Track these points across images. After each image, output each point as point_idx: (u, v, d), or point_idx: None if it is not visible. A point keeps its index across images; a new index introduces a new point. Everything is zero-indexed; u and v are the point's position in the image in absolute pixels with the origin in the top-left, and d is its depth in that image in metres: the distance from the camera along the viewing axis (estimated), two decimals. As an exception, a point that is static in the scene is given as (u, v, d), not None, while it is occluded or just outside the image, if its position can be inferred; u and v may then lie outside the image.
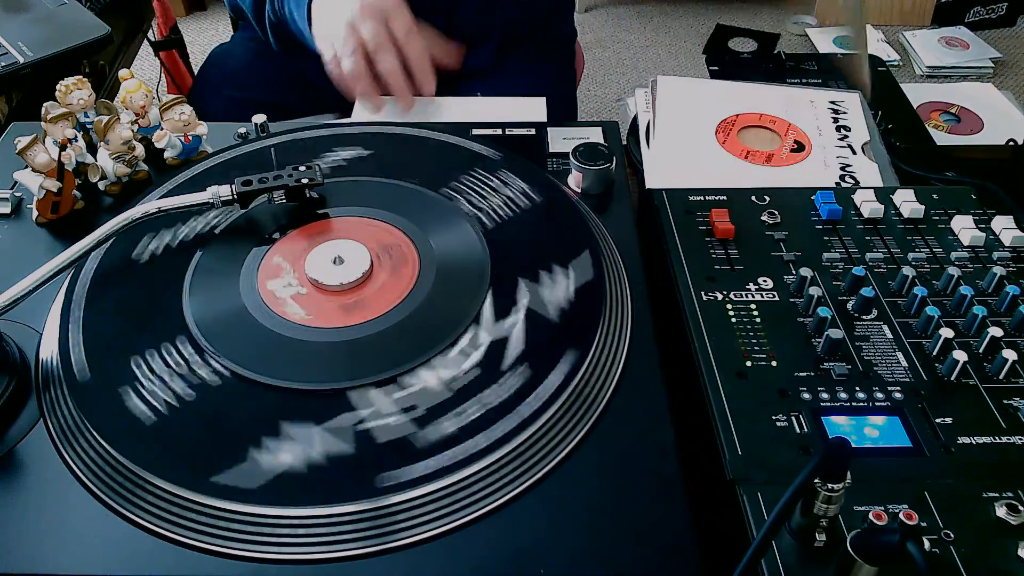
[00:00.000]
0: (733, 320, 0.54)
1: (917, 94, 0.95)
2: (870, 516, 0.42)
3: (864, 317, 0.54)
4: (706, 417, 0.49)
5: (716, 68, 0.99)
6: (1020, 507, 0.43)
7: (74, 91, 0.66)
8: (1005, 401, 0.49)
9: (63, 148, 0.61)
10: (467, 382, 0.49)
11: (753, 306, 0.55)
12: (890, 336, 0.53)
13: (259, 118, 0.70)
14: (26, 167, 0.61)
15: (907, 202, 0.63)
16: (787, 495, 0.38)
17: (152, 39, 1.26)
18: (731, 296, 0.56)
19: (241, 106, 0.97)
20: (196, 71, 1.10)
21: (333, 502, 0.43)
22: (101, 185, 0.65)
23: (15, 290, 0.51)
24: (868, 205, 0.62)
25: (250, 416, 0.47)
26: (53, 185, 0.60)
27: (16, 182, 0.63)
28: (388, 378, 0.49)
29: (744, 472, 0.45)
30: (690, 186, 0.65)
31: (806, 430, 0.47)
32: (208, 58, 1.08)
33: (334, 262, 0.55)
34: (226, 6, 1.11)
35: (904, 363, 0.51)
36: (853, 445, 0.46)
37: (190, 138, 0.67)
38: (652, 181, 0.74)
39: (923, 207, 0.62)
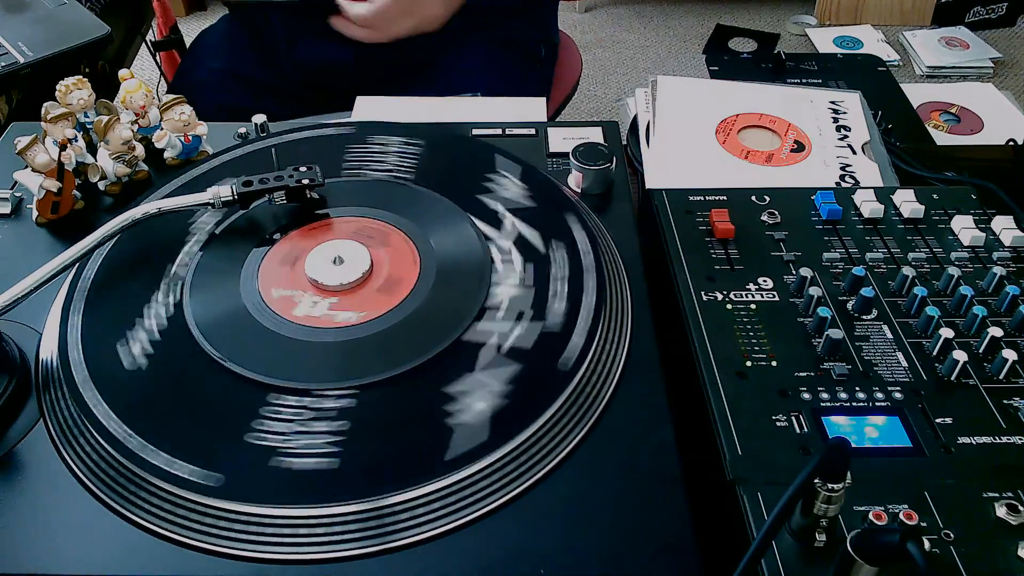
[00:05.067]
0: (733, 320, 0.54)
1: (917, 94, 0.95)
2: (870, 516, 0.42)
3: (864, 317, 0.54)
4: (706, 417, 0.49)
5: (716, 68, 0.99)
6: (1020, 507, 0.43)
7: (74, 91, 0.66)
8: (1005, 401, 0.49)
9: (63, 148, 0.61)
10: (467, 381, 0.49)
11: (753, 306, 0.55)
12: (890, 336, 0.53)
13: (259, 118, 0.70)
14: (26, 167, 0.60)
15: (907, 202, 0.62)
16: (787, 495, 0.38)
17: (152, 39, 1.26)
18: (731, 296, 0.56)
19: (219, 77, 1.05)
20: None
21: (333, 502, 0.43)
22: (101, 185, 0.65)
23: (15, 290, 0.51)
24: (868, 205, 0.62)
25: (250, 416, 0.47)
26: (53, 185, 0.60)
27: (16, 182, 0.63)
28: (388, 378, 0.49)
29: (744, 472, 0.45)
30: (690, 186, 0.65)
31: (806, 430, 0.47)
32: (195, 38, 1.15)
33: (334, 262, 0.55)
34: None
35: (904, 363, 0.51)
36: (853, 445, 0.46)
37: (190, 138, 0.67)
38: (652, 181, 0.74)
39: (923, 207, 0.62)
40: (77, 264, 0.54)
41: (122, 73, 0.69)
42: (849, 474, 0.39)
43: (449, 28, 0.98)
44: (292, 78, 1.05)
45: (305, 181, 0.59)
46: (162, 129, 0.67)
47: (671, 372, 0.52)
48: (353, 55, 1.00)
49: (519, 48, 1.08)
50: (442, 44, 1.00)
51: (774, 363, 0.51)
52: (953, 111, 0.95)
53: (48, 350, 0.52)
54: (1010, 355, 0.50)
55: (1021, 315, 0.53)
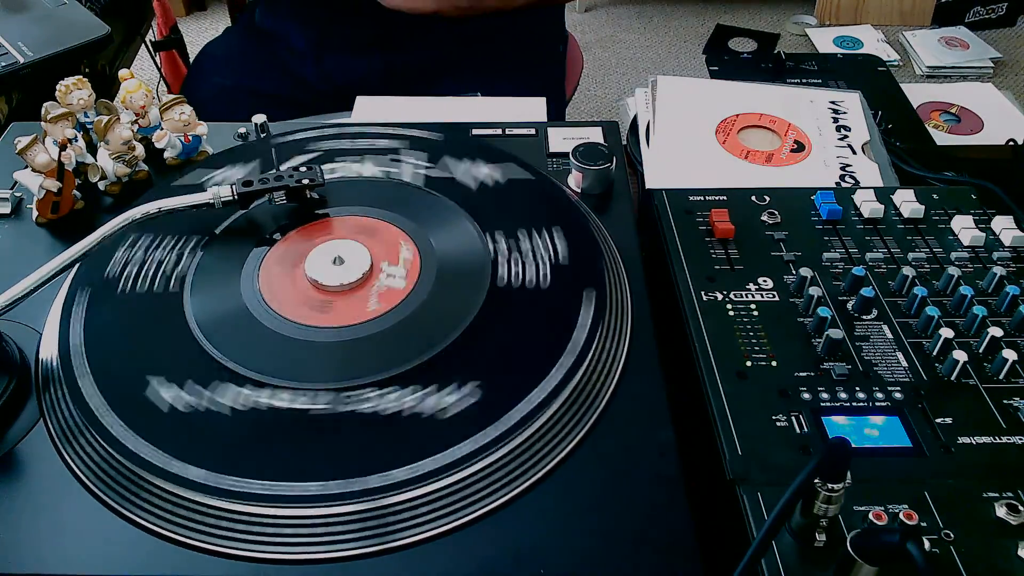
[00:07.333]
0: (733, 320, 0.54)
1: (917, 94, 0.95)
2: (870, 516, 0.42)
3: (864, 317, 0.54)
4: (706, 417, 0.49)
5: (716, 68, 0.99)
6: (1020, 507, 0.43)
7: (74, 91, 0.66)
8: (1005, 401, 0.49)
9: (63, 148, 0.61)
10: (467, 382, 0.49)
11: (753, 306, 0.55)
12: (890, 336, 0.53)
13: (259, 118, 0.70)
14: (26, 167, 0.61)
15: (907, 202, 0.62)
16: (787, 495, 0.38)
17: (152, 39, 1.26)
18: (731, 296, 0.56)
19: (231, 93, 1.01)
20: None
21: (333, 502, 0.43)
22: (101, 185, 0.65)
23: (15, 290, 0.51)
24: (868, 205, 0.62)
25: (250, 416, 0.47)
26: (53, 185, 0.60)
27: (16, 182, 0.63)
28: (388, 378, 0.49)
29: (744, 472, 0.45)
30: (690, 186, 0.65)
31: (806, 430, 0.47)
32: (199, 53, 1.11)
33: (334, 262, 0.55)
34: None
35: (904, 363, 0.51)
36: (853, 445, 0.46)
37: (190, 138, 0.67)
38: (652, 181, 0.74)
39: (923, 207, 0.62)
40: (77, 264, 0.54)
41: (122, 73, 0.69)
42: (849, 474, 0.39)
43: (478, 26, 0.97)
44: (316, 89, 1.02)
45: (305, 181, 0.59)
46: (162, 129, 0.67)
47: (671, 372, 0.52)
48: (382, 63, 0.99)
49: (541, 46, 1.08)
50: (468, 44, 1.00)
51: (774, 363, 0.51)
52: (953, 111, 0.95)
53: (48, 350, 0.52)
54: (1010, 355, 0.50)
55: (1021, 315, 0.53)
